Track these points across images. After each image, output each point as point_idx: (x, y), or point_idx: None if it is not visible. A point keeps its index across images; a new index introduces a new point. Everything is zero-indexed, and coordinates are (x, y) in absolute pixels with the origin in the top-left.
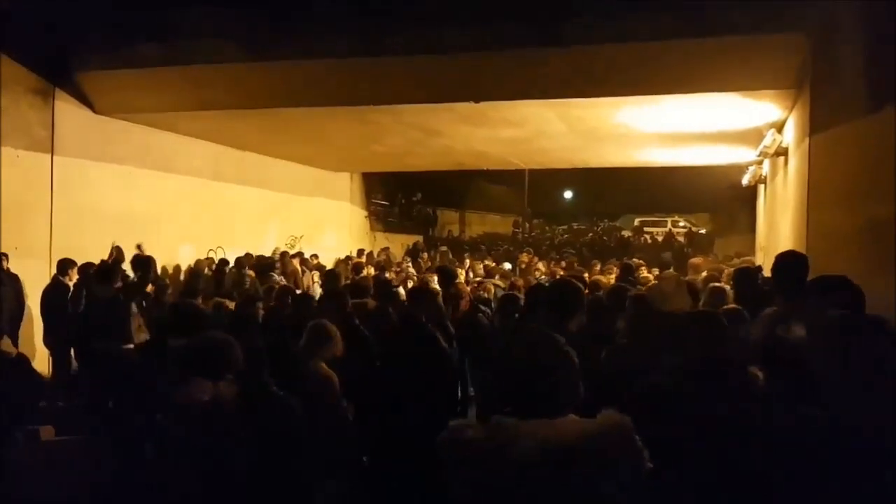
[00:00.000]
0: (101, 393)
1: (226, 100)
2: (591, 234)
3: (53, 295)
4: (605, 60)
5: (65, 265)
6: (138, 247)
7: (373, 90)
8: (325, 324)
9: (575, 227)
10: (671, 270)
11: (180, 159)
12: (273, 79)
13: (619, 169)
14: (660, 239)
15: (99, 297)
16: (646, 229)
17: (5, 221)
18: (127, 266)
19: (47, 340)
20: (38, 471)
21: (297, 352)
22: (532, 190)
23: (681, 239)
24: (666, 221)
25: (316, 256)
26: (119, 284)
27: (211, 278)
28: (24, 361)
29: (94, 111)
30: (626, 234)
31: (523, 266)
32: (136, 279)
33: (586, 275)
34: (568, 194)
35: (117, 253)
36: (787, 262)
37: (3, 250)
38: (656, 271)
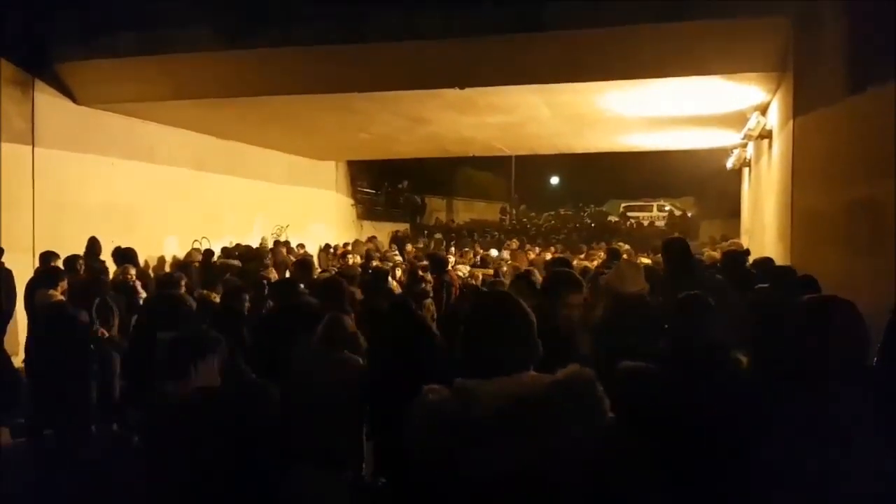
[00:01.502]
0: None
1: (207, 89)
2: (580, 222)
3: (33, 289)
4: (588, 45)
5: (46, 258)
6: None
7: (356, 77)
8: (344, 318)
9: (562, 213)
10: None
11: (163, 149)
12: (253, 67)
13: (604, 154)
14: (645, 224)
15: (38, 303)
16: (631, 214)
17: None
18: (107, 258)
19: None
20: (26, 464)
21: (314, 343)
22: (518, 176)
23: (668, 222)
24: (652, 206)
25: (302, 246)
26: (63, 288)
27: (199, 270)
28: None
29: (75, 102)
30: (613, 219)
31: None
32: (120, 272)
33: (575, 261)
34: (554, 180)
35: (91, 244)
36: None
37: None
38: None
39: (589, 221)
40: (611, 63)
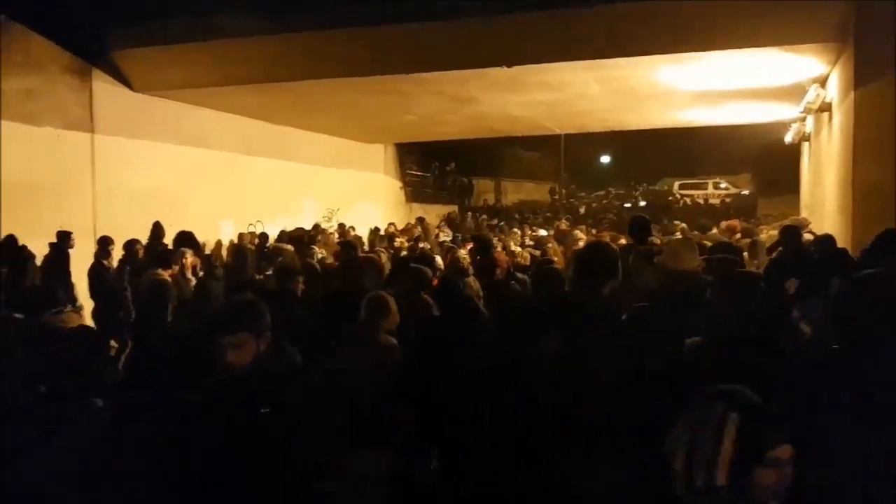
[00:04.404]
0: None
1: (254, 74)
2: (631, 201)
3: (96, 273)
4: (638, 18)
5: (104, 242)
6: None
7: (400, 58)
8: (385, 296)
9: (612, 192)
10: (714, 232)
11: (215, 135)
12: (298, 51)
13: (657, 131)
14: (701, 202)
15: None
16: (686, 192)
17: (48, 201)
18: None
19: (95, 318)
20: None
21: (359, 325)
22: (568, 155)
23: (728, 200)
24: (707, 184)
25: (353, 228)
26: (174, 271)
27: (254, 253)
28: (89, 333)
29: (131, 89)
30: (670, 198)
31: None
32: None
33: (622, 240)
34: (605, 159)
35: (155, 229)
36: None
37: (45, 230)
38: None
39: (641, 200)
40: (662, 36)
